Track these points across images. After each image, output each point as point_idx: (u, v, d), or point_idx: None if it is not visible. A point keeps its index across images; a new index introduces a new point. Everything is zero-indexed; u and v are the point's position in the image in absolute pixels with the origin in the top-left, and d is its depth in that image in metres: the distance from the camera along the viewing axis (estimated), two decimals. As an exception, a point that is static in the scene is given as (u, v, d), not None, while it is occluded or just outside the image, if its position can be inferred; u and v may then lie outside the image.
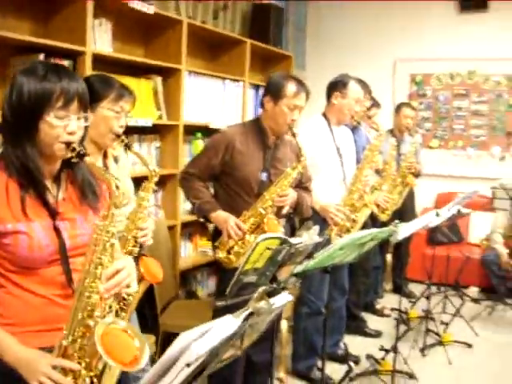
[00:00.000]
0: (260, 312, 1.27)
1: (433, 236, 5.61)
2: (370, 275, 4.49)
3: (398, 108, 5.03)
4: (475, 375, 3.58)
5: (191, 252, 4.15)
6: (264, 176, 2.76)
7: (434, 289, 4.79)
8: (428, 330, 4.05)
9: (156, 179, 2.21)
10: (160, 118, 3.73)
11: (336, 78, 3.43)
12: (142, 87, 3.60)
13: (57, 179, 1.60)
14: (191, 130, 4.02)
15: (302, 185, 2.96)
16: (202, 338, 1.12)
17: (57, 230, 1.53)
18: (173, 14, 3.94)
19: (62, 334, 1.46)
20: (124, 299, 1.79)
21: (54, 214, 1.54)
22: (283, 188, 2.70)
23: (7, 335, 1.46)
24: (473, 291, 5.27)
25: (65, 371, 1.43)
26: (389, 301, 4.90)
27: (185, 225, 3.91)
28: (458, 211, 3.75)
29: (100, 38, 3.28)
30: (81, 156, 1.50)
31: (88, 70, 2.98)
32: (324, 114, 3.40)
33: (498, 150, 5.91)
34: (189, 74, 3.85)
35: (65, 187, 1.61)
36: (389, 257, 5.34)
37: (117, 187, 1.49)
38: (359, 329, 4.17)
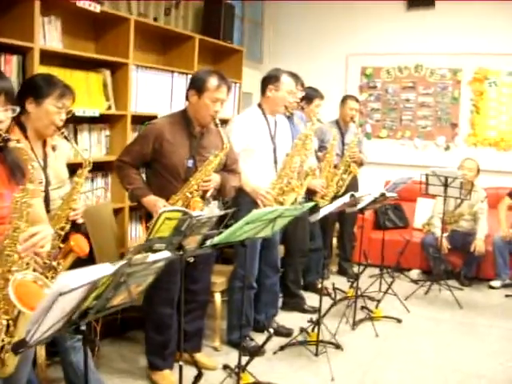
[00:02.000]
0: (133, 262, 1.57)
1: (379, 221, 6.00)
2: (310, 256, 4.80)
3: (344, 100, 5.36)
4: (399, 346, 3.92)
5: (141, 234, 4.44)
6: (190, 163, 3.06)
7: (376, 271, 5.14)
8: (363, 307, 4.41)
9: (89, 168, 2.50)
10: (109, 108, 4.01)
11: (269, 73, 3.73)
12: (91, 80, 3.88)
13: None
14: (141, 120, 4.30)
15: (227, 167, 3.27)
16: (77, 276, 1.41)
17: None
18: (124, 11, 4.23)
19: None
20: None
21: None
22: (207, 174, 3.00)
23: None
24: (414, 273, 5.63)
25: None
26: (333, 281, 5.23)
27: (133, 208, 4.20)
28: (383, 195, 4.06)
29: (50, 35, 3.54)
30: (5, 141, 1.80)
31: (36, 65, 3.24)
32: (259, 105, 3.70)
33: (443, 139, 6.27)
34: (136, 68, 4.12)
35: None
36: (334, 240, 5.69)
37: (32, 166, 1.78)
38: (297, 305, 4.50)
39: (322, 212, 3.39)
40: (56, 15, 3.56)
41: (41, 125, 2.44)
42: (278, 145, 3.63)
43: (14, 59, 3.20)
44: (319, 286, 5.02)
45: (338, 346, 3.78)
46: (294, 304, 4.51)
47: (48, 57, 3.43)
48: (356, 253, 5.84)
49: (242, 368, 3.04)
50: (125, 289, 1.65)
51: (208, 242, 2.55)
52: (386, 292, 4.65)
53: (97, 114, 3.78)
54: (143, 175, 3.21)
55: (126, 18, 3.97)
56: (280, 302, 4.42)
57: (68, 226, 2.42)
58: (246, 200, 3.46)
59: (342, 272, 5.62)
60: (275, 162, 3.61)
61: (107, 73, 3.99)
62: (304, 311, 4.48)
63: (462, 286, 5.30)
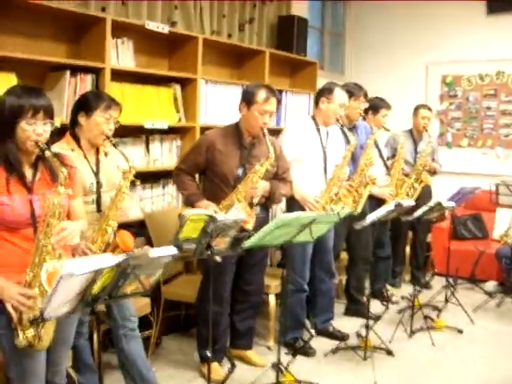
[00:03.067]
0: (135, 256, 1.81)
1: (457, 231, 5.90)
2: (378, 263, 4.86)
3: (416, 109, 5.34)
4: (453, 356, 3.88)
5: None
6: (240, 171, 3.28)
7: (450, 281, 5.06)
8: (426, 317, 4.39)
9: (134, 172, 2.78)
10: (179, 120, 4.34)
11: (324, 86, 3.87)
12: (162, 94, 4.24)
13: (34, 166, 2.22)
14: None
15: (278, 176, 3.45)
16: (82, 264, 1.67)
17: (30, 202, 2.16)
18: (197, 29, 4.58)
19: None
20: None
21: (29, 190, 2.17)
22: (254, 181, 3.21)
23: None
24: (489, 285, 5.46)
25: (28, 296, 2.04)
26: (405, 290, 5.22)
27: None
28: (439, 204, 4.04)
29: (123, 54, 3.94)
30: (43, 150, 2.12)
31: (107, 83, 3.64)
32: (313, 117, 3.86)
33: (527, 149, 6.03)
34: (205, 82, 4.43)
35: (41, 171, 2.23)
36: (408, 249, 5.66)
37: (62, 173, 2.08)
38: (359, 311, 4.56)
39: (368, 219, 3.47)
40: (128, 37, 3.95)
41: (92, 135, 2.78)
42: (328, 155, 3.76)
43: (88, 78, 3.60)
44: (387, 294, 5.08)
45: (389, 352, 3.82)
46: (356, 310, 4.58)
47: (121, 75, 3.82)
48: (434, 263, 5.84)
49: (284, 367, 3.20)
50: (134, 279, 1.89)
51: (245, 245, 2.75)
52: (447, 301, 4.59)
53: (165, 127, 4.12)
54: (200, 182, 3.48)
55: (195, 37, 4.30)
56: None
57: (115, 224, 2.72)
58: (296, 207, 3.62)
59: (414, 281, 5.56)
60: (325, 171, 3.74)
61: (177, 87, 4.33)
62: (368, 317, 4.52)
63: (541, 301, 5.07)
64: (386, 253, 5.03)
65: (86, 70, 3.59)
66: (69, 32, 3.71)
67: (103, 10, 3.97)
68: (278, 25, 5.55)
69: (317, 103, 3.84)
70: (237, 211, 2.52)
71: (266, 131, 3.24)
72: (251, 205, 3.25)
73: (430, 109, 5.34)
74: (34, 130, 2.11)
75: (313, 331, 3.41)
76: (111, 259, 1.77)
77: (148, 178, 4.16)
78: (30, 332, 2.00)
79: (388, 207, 3.60)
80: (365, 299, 4.71)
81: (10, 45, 3.39)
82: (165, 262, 1.97)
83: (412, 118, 5.37)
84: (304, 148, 3.70)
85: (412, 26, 6.47)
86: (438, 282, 5.41)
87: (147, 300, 3.42)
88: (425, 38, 6.42)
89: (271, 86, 3.36)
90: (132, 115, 3.92)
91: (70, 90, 3.49)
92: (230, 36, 5.11)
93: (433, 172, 5.29)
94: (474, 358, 3.84)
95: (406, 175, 5.06)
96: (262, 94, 3.23)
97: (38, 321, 1.76)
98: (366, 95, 4.38)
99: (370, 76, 6.69)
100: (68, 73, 3.50)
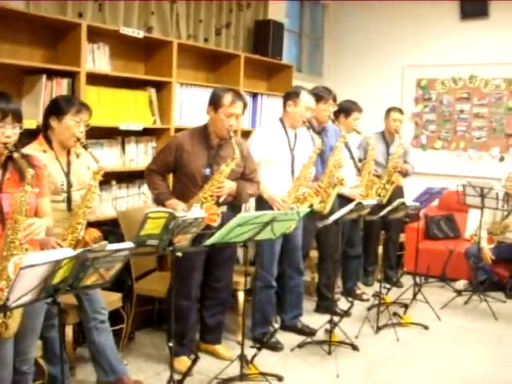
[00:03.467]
0: (94, 249, 1.95)
1: (429, 231, 6.08)
2: (347, 262, 5.05)
3: (387, 112, 5.50)
4: (416, 352, 4.03)
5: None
6: (207, 171, 3.42)
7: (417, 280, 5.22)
8: (394, 314, 4.57)
9: (102, 173, 2.92)
10: (154, 122, 4.49)
11: (290, 89, 4.03)
12: (138, 98, 4.38)
13: (3, 166, 2.35)
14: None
15: (245, 176, 3.60)
16: (42, 256, 1.82)
17: None
18: (174, 34, 4.73)
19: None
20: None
21: None
22: (219, 181, 3.35)
23: None
24: (460, 284, 5.62)
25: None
26: (377, 288, 5.36)
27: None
28: (403, 203, 4.20)
29: (99, 59, 4.08)
30: (11, 152, 2.26)
31: (83, 86, 3.78)
32: (281, 119, 4.01)
33: (498, 150, 6.21)
34: (180, 86, 4.57)
35: (10, 171, 2.36)
36: (380, 249, 5.83)
37: (29, 173, 2.22)
38: (329, 308, 4.69)
39: (331, 218, 3.63)
40: (104, 42, 4.09)
41: (63, 137, 2.92)
42: (296, 156, 3.91)
43: (64, 82, 3.74)
44: (357, 291, 5.24)
45: (354, 347, 3.97)
46: (326, 307, 4.72)
47: (97, 78, 3.96)
48: (405, 262, 6.01)
49: (250, 360, 3.36)
50: (94, 271, 2.04)
51: (206, 242, 2.90)
52: (413, 298, 4.76)
53: (140, 128, 4.25)
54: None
55: (169, 42, 4.44)
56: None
57: (84, 222, 2.85)
58: (265, 207, 3.77)
59: (386, 279, 5.73)
60: (292, 172, 3.89)
61: (153, 91, 4.47)
62: (335, 314, 4.67)
63: (508, 298, 5.24)
64: (357, 252, 5.19)
65: (62, 74, 3.73)
66: (45, 37, 3.85)
67: (80, 15, 4.10)
68: (254, 29, 5.70)
69: (284, 106, 3.99)
70: (196, 210, 2.66)
71: (232, 133, 3.39)
72: (218, 203, 3.39)
73: (401, 111, 5.50)
74: (2, 133, 2.25)
75: (276, 325, 3.56)
76: (68, 251, 1.91)
77: (124, 177, 4.30)
78: (-4, 321, 2.14)
79: (349, 206, 3.75)
80: (337, 296, 4.90)
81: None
82: (123, 256, 2.11)
83: (384, 120, 5.54)
84: (272, 150, 3.85)
85: (390, 31, 6.65)
86: (409, 281, 5.61)
87: (119, 295, 3.55)
88: (401, 41, 6.61)
89: (238, 90, 3.53)
90: (108, 117, 4.07)
91: (46, 93, 3.62)
92: (206, 40, 5.26)
93: (405, 173, 5.46)
94: (437, 353, 4.00)
95: (378, 176, 5.23)
96: (228, 98, 3.38)
97: (3, 309, 1.89)
98: (334, 99, 4.53)
99: (348, 78, 6.90)
100: (44, 77, 3.63)
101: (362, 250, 5.25)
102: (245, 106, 3.47)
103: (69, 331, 3.21)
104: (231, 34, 5.53)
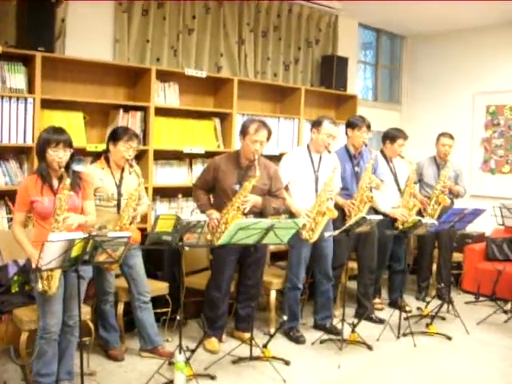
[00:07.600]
0: (95, 235, 2.81)
1: (489, 252, 6.29)
2: (392, 276, 5.63)
3: (438, 137, 5.86)
4: (426, 356, 4.39)
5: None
6: (237, 187, 4.19)
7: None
8: (427, 325, 4.95)
9: (143, 186, 3.85)
10: (218, 146, 5.38)
11: (316, 119, 4.68)
12: (205, 126, 5.32)
13: (60, 178, 3.33)
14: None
15: (271, 193, 4.32)
16: (60, 236, 2.73)
17: (54, 201, 3.27)
18: (243, 72, 5.62)
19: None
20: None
21: (55, 193, 3.28)
22: (244, 195, 4.11)
23: (29, 244, 3.22)
24: (510, 304, 5.75)
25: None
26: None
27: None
28: (419, 221, 4.62)
29: (169, 95, 5.08)
30: (64, 169, 3.24)
31: (151, 118, 4.78)
32: (308, 145, 4.68)
33: None
34: (242, 116, 5.41)
35: (64, 182, 3.33)
36: (434, 266, 6.15)
37: (67, 181, 3.16)
38: (363, 315, 5.20)
39: (337, 231, 4.22)
40: (174, 81, 5.09)
41: (116, 158, 3.88)
42: (320, 177, 4.53)
43: (138, 114, 4.78)
44: (401, 304, 5.64)
45: (369, 347, 4.46)
46: (362, 313, 5.21)
47: (167, 111, 4.98)
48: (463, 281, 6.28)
49: (263, 345, 4.06)
50: (102, 251, 2.91)
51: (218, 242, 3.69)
52: (439, 309, 5.04)
53: (202, 151, 5.17)
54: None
55: (230, 79, 5.33)
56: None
57: (129, 222, 3.78)
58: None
59: (438, 296, 6.03)
60: (316, 190, 4.52)
61: (217, 120, 5.39)
62: (370, 320, 5.17)
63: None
64: (402, 266, 5.61)
65: (137, 108, 4.78)
66: (126, 80, 4.94)
67: (158, 60, 5.15)
68: (321, 63, 6.41)
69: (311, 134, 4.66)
70: (197, 215, 3.43)
71: (256, 156, 4.12)
72: (244, 213, 4.14)
73: (451, 136, 5.81)
74: (57, 155, 3.23)
75: (284, 317, 4.18)
76: (80, 235, 2.81)
77: (190, 192, 5.23)
78: (44, 282, 3.10)
79: (354, 219, 4.29)
80: (381, 306, 5.43)
81: (81, 91, 4.66)
82: (124, 242, 2.97)
83: (435, 145, 5.90)
84: (297, 171, 4.53)
85: (460, 57, 7.04)
86: (463, 298, 5.88)
87: (166, 284, 4.44)
88: (472, 69, 6.94)
89: (263, 120, 4.25)
90: (175, 142, 5.06)
91: (123, 123, 4.66)
92: (275, 75, 6.07)
93: (456, 195, 5.80)
94: (444, 359, 4.34)
95: (429, 197, 5.66)
96: (253, 127, 4.13)
97: (37, 270, 2.84)
98: (369, 126, 5.06)
99: (423, 105, 7.33)
100: (121, 110, 4.69)
101: (405, 265, 5.65)
102: (269, 133, 4.20)
103: (120, 307, 4.14)
104: (299, 69, 6.29)
